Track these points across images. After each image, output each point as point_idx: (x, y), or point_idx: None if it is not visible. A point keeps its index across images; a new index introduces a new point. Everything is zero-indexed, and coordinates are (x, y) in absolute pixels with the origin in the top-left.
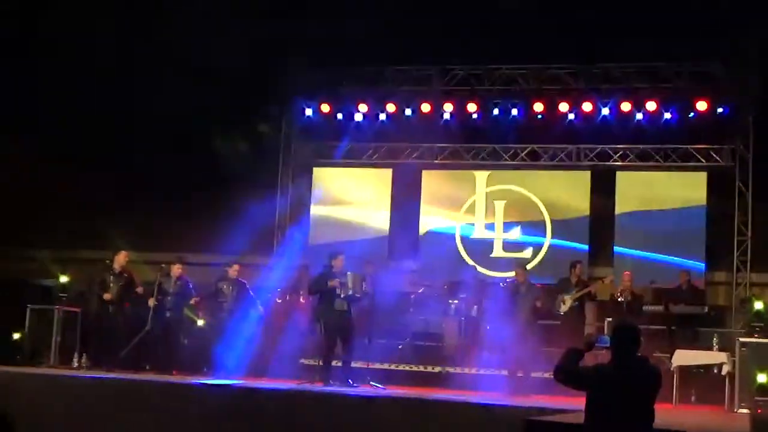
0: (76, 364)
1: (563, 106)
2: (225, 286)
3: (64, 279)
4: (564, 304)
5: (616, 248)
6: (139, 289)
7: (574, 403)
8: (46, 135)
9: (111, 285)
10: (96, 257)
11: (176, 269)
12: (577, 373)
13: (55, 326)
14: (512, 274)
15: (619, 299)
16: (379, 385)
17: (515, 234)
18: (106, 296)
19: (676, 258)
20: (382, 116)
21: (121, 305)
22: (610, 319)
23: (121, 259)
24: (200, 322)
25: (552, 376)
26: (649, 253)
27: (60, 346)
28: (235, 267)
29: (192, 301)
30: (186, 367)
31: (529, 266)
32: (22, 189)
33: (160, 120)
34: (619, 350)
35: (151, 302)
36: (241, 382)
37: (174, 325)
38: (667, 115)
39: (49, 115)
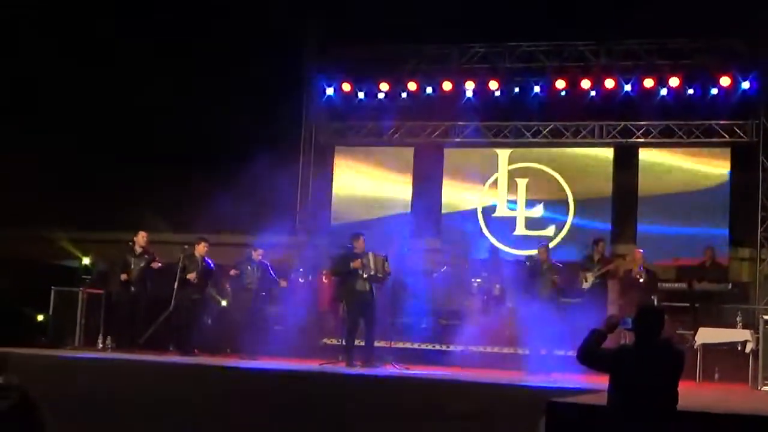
0: (100, 346)
1: (585, 83)
2: (249, 268)
3: (86, 261)
4: (586, 281)
5: (640, 225)
6: (155, 264)
7: (598, 382)
8: (63, 116)
9: (132, 266)
10: (119, 238)
11: (201, 248)
12: (600, 355)
13: (80, 308)
14: (535, 252)
15: (637, 277)
16: (402, 365)
17: (538, 212)
18: (123, 277)
19: (699, 232)
20: (404, 95)
21: (144, 286)
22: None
23: (140, 239)
24: (224, 303)
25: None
26: (672, 229)
27: (84, 327)
28: (259, 251)
29: (232, 272)
30: (209, 348)
31: (551, 244)
32: (42, 171)
33: (179, 100)
34: (643, 332)
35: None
36: (263, 363)
37: (198, 306)
38: (690, 91)
39: (65, 95)
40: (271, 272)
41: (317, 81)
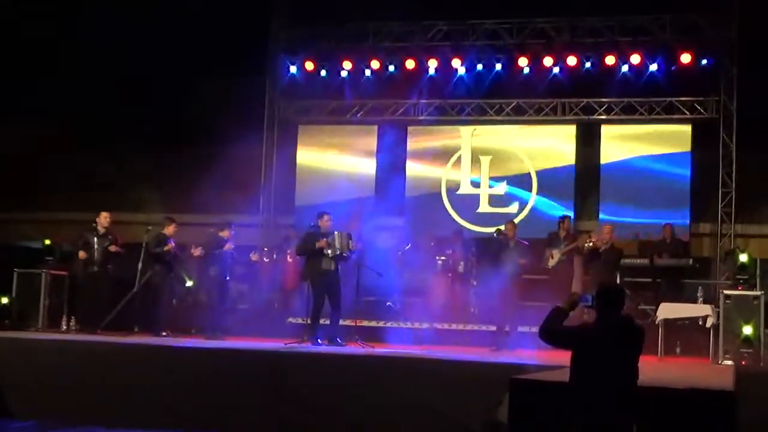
0: (64, 328)
1: (547, 61)
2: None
3: (48, 242)
4: (552, 258)
5: (602, 202)
6: (113, 248)
7: (562, 358)
8: (19, 95)
9: (95, 246)
10: (82, 219)
11: (171, 229)
12: (562, 332)
13: (43, 290)
14: (500, 228)
15: (599, 249)
16: (367, 344)
17: (501, 189)
18: (81, 255)
19: (661, 209)
20: (367, 73)
21: (106, 266)
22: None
23: (103, 219)
24: (189, 283)
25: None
26: (634, 206)
27: (48, 309)
28: (230, 245)
29: (196, 252)
30: (175, 329)
31: (516, 220)
32: (4, 153)
33: (139, 79)
34: (603, 309)
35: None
36: (229, 342)
37: (163, 287)
38: (652, 68)
39: (21, 73)
40: (236, 257)
41: (280, 59)
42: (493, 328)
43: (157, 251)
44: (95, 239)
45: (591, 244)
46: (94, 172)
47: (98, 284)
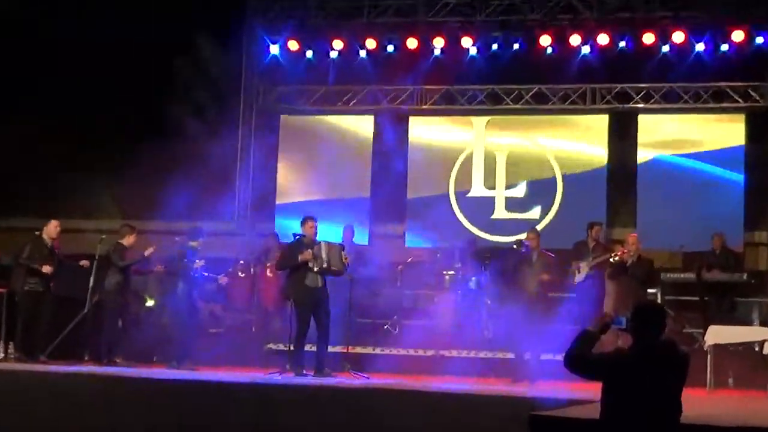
0: (1, 355)
1: (575, 39)
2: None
3: None
4: (579, 272)
5: (640, 206)
6: (84, 262)
7: (591, 391)
8: None
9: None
10: (23, 226)
11: (131, 239)
12: (591, 360)
13: None
14: (520, 237)
15: (626, 263)
16: (362, 374)
17: (520, 191)
18: (46, 269)
19: (709, 214)
20: (361, 54)
21: (50, 284)
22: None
23: (51, 229)
24: (150, 303)
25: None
26: (677, 210)
27: None
28: (201, 261)
29: (157, 268)
30: (133, 357)
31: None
32: None
33: (90, 53)
34: (640, 333)
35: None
36: (197, 373)
37: (119, 307)
38: (699, 48)
39: None
40: (206, 272)
41: (259, 38)
42: (511, 355)
43: (121, 265)
44: (40, 251)
45: (617, 257)
46: (35, 171)
47: (41, 304)
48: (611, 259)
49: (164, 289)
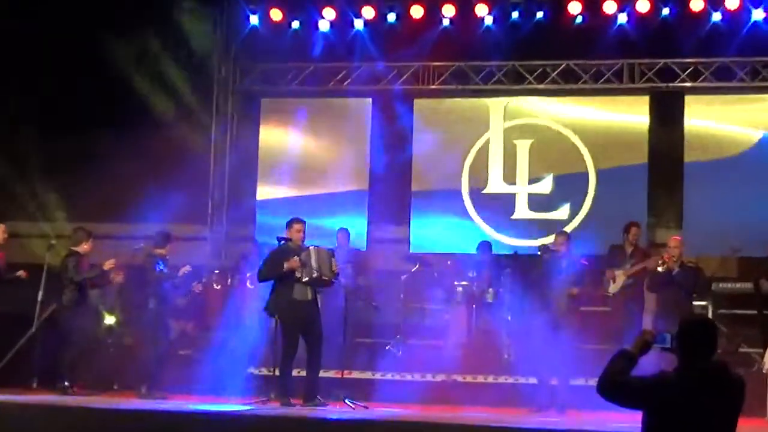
0: None
1: (609, 6)
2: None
3: None
4: (614, 282)
5: (687, 204)
6: (21, 273)
7: (630, 420)
8: None
9: None
10: None
11: (88, 246)
12: (629, 385)
13: None
14: (546, 241)
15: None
16: (359, 403)
17: (546, 186)
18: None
19: None
20: (358, 24)
21: None
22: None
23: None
24: (110, 320)
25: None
26: (731, 211)
27: None
28: (164, 248)
29: (116, 278)
30: (90, 384)
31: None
32: None
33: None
34: (688, 353)
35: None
36: (165, 403)
37: (73, 326)
38: (757, 15)
39: None
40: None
41: (236, 6)
42: (535, 380)
43: (78, 279)
44: None
45: (665, 265)
46: None
47: None
48: (659, 267)
49: (125, 303)
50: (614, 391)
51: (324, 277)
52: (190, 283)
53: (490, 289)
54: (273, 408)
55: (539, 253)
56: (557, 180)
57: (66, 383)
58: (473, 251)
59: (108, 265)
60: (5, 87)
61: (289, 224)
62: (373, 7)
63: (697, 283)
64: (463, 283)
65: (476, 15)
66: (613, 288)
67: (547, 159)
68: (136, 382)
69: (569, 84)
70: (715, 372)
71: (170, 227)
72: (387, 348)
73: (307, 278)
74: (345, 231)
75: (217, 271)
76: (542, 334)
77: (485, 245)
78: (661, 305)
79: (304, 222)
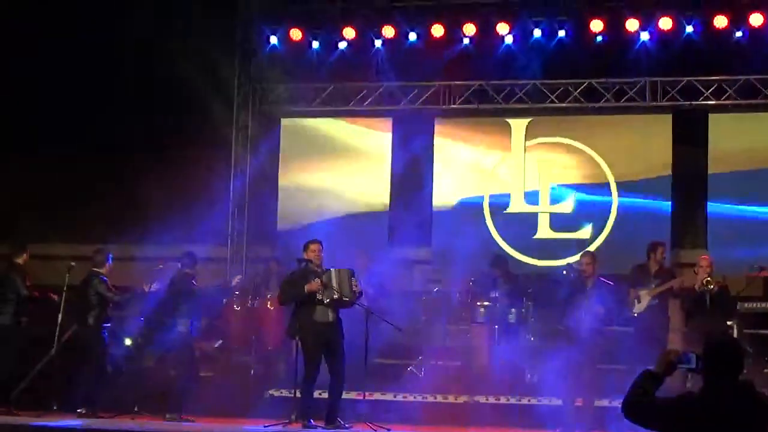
0: None
1: (632, 24)
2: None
3: None
4: (639, 302)
5: (711, 222)
6: (54, 296)
7: None
8: None
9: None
10: None
11: (107, 267)
12: (654, 406)
13: None
14: (573, 260)
15: (702, 290)
16: (381, 425)
17: (568, 206)
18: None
19: None
20: (377, 44)
21: (19, 319)
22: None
23: (26, 257)
24: (127, 342)
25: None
26: (756, 228)
27: None
28: (194, 269)
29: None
30: (107, 406)
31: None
32: None
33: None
34: (713, 374)
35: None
36: (186, 425)
37: (92, 347)
38: None
39: None
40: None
41: (256, 26)
42: (559, 401)
43: (117, 300)
44: (14, 278)
45: (711, 285)
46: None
47: (9, 342)
48: (701, 287)
49: (145, 325)
50: (639, 412)
51: (345, 298)
52: (222, 299)
53: (512, 309)
54: (294, 430)
55: (564, 272)
56: (579, 199)
57: (86, 407)
58: (495, 270)
59: (151, 287)
60: (28, 107)
61: (305, 246)
62: (393, 26)
63: (733, 306)
64: (485, 303)
65: (497, 34)
66: (638, 308)
67: (569, 179)
68: (172, 405)
69: (591, 102)
70: (741, 392)
71: (187, 247)
72: (409, 369)
73: (328, 299)
74: (366, 251)
75: (237, 293)
76: (566, 354)
77: (507, 264)
78: (695, 326)
79: (321, 242)
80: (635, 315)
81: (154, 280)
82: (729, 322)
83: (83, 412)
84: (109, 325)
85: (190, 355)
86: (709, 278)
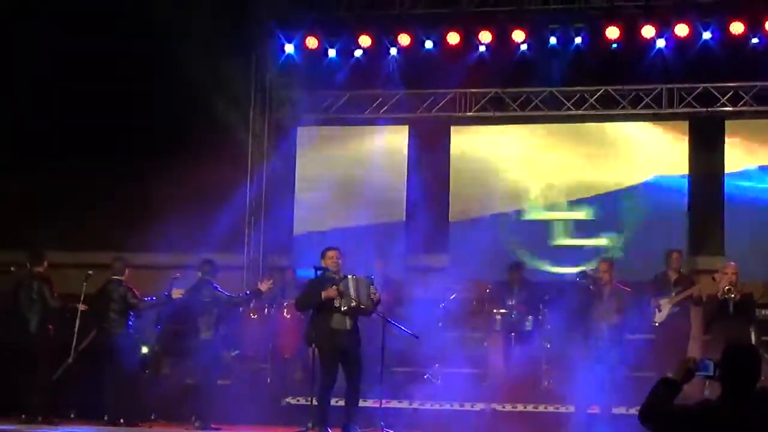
0: None
1: (648, 31)
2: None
3: None
4: (660, 311)
5: (728, 229)
6: (83, 307)
7: None
8: None
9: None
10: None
11: (126, 275)
12: (672, 414)
13: None
14: (591, 268)
15: (723, 298)
16: None
17: (585, 212)
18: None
19: None
20: (393, 52)
21: (46, 329)
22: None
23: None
24: (145, 350)
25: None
26: None
27: None
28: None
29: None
30: (125, 414)
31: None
32: None
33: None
34: (731, 381)
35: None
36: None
37: (111, 356)
38: None
39: None
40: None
41: (271, 34)
42: (573, 408)
43: (143, 307)
44: (40, 287)
45: (732, 293)
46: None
47: (30, 354)
48: (723, 294)
49: (162, 333)
50: (656, 420)
51: (362, 306)
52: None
53: (529, 317)
54: None
55: (578, 279)
56: (596, 206)
57: (110, 415)
58: (512, 277)
59: (176, 293)
60: (47, 117)
61: (323, 253)
62: (409, 34)
63: (754, 314)
64: (502, 310)
65: (513, 41)
66: (659, 317)
67: (586, 185)
68: (197, 413)
69: (608, 110)
70: (759, 399)
71: (204, 256)
72: (425, 377)
73: (345, 307)
74: (383, 259)
75: (253, 301)
76: (582, 361)
77: (524, 271)
78: (716, 333)
79: (338, 249)
80: (657, 324)
81: (173, 288)
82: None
83: (107, 419)
84: (131, 332)
85: (216, 363)
86: (730, 286)
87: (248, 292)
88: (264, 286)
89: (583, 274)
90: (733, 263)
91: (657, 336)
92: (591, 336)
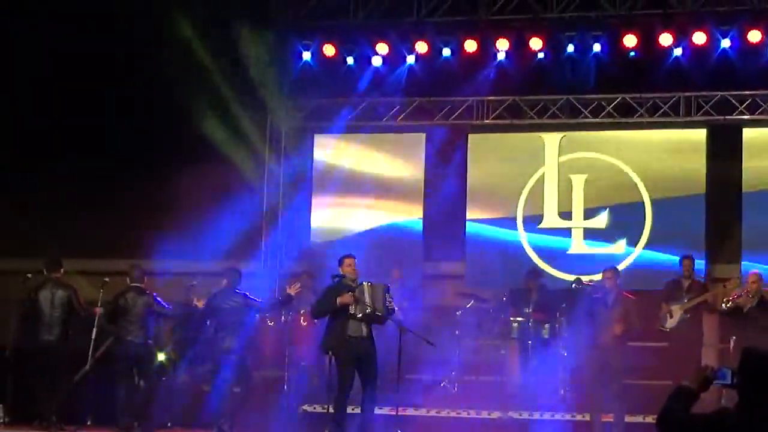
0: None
1: (665, 39)
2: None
3: None
4: (672, 317)
5: (746, 236)
6: (98, 310)
7: None
8: None
9: (50, 305)
10: (21, 268)
11: (146, 283)
12: (688, 423)
13: None
14: (596, 277)
15: (743, 307)
16: None
17: (602, 221)
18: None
19: None
20: (410, 59)
21: (66, 335)
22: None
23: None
24: (161, 357)
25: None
26: None
27: None
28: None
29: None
30: (142, 419)
31: (622, 266)
32: None
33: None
34: (750, 390)
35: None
36: None
37: (128, 362)
38: None
39: None
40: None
41: (288, 42)
42: (589, 417)
43: (170, 314)
44: (65, 294)
45: (731, 301)
46: (42, 207)
47: (51, 360)
48: (724, 305)
49: (180, 340)
50: (674, 428)
51: (378, 313)
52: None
53: (546, 325)
54: None
55: (573, 286)
56: (613, 214)
57: (127, 419)
58: (530, 285)
59: (199, 303)
60: (61, 122)
61: (340, 261)
62: (426, 42)
63: None
64: (519, 318)
65: (530, 49)
66: (670, 323)
67: (603, 193)
68: (218, 420)
69: (625, 117)
70: None
71: (223, 264)
72: (442, 384)
73: (360, 314)
74: (400, 267)
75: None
76: (593, 370)
77: (541, 279)
78: (735, 343)
79: (355, 257)
80: (667, 330)
81: (191, 295)
82: None
83: (120, 426)
84: (151, 340)
85: (234, 371)
86: (752, 295)
87: (279, 298)
88: (293, 290)
89: (578, 281)
90: (756, 271)
91: (669, 343)
92: (598, 343)
